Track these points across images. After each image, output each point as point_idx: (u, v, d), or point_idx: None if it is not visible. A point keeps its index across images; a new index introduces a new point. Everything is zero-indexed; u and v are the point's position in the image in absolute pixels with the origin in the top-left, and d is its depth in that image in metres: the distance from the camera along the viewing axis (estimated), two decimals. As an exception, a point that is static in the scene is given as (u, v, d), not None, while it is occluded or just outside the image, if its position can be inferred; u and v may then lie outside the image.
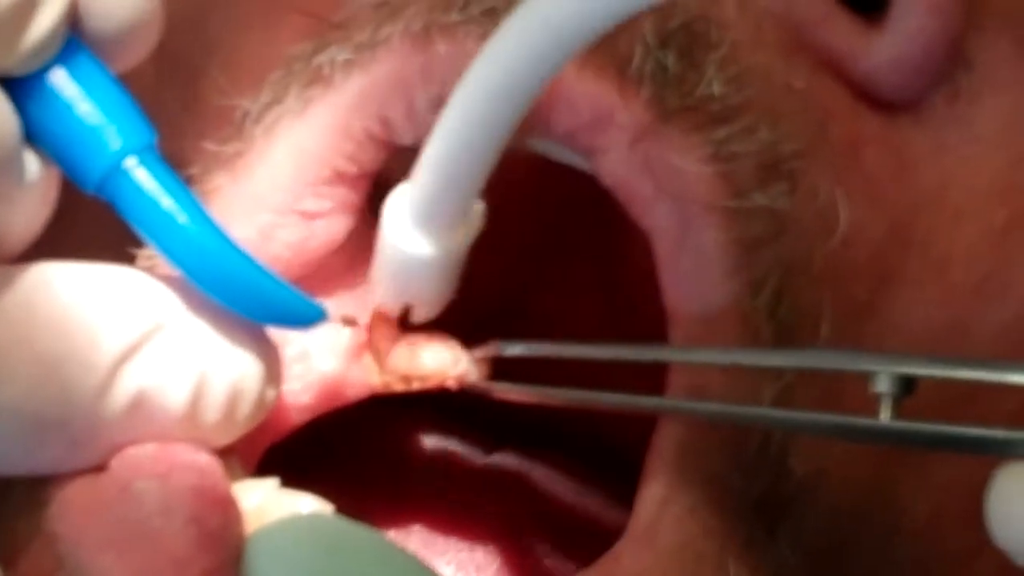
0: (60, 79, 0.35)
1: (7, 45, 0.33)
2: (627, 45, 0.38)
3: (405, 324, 0.41)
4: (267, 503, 0.37)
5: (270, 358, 0.37)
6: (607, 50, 0.38)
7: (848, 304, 0.38)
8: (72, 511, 0.35)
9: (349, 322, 0.41)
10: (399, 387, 0.41)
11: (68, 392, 0.34)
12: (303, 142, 0.40)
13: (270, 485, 0.38)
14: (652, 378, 0.39)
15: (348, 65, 0.39)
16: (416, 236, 0.38)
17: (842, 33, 0.38)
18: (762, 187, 0.37)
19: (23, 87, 0.34)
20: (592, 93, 0.37)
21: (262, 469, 0.40)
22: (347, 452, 0.48)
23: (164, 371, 0.35)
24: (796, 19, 0.38)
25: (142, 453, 0.35)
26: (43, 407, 0.34)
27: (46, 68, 0.35)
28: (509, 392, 0.40)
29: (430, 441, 0.49)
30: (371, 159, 0.40)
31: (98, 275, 0.35)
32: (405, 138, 0.40)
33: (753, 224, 0.37)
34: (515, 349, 0.40)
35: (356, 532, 0.36)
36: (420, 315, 0.40)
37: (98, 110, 0.35)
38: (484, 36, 0.37)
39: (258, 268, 0.36)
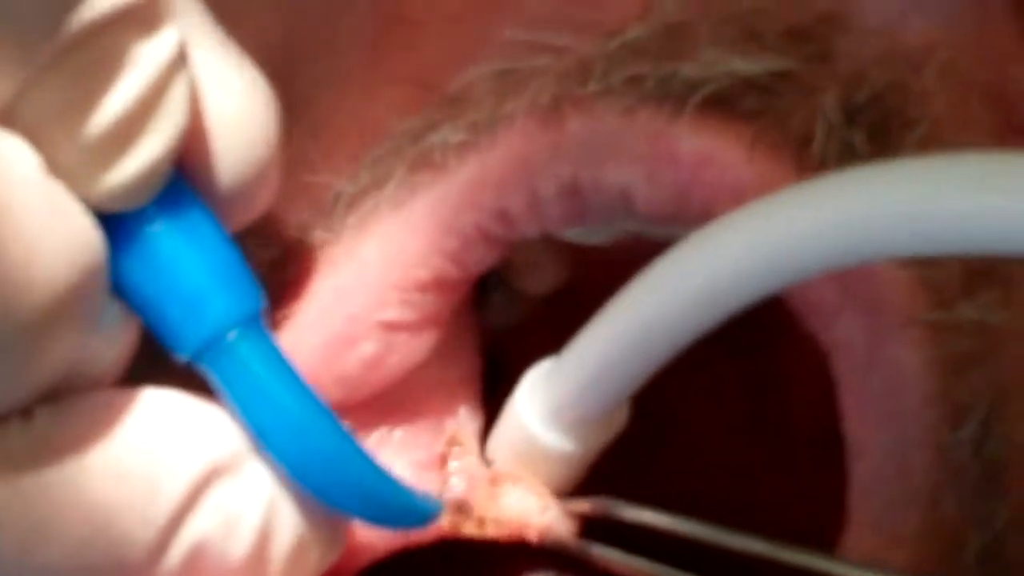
0: (159, 228, 0.29)
1: (95, 173, 0.28)
2: (805, 121, 0.32)
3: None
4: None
5: None
6: (780, 126, 0.32)
7: None
8: None
9: (462, 508, 0.35)
10: (470, 530, 0.35)
11: (121, 550, 0.28)
12: (400, 237, 0.34)
13: None
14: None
15: (463, 148, 0.33)
16: (552, 429, 0.34)
17: None
18: (970, 296, 0.31)
19: (115, 230, 0.29)
20: (764, 179, 0.31)
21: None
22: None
23: (227, 520, 0.30)
24: (1011, 94, 0.32)
25: None
26: (91, 566, 0.28)
27: (145, 213, 0.29)
28: (608, 559, 0.34)
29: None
30: (478, 260, 0.34)
31: (159, 406, 0.30)
32: (528, 230, 0.34)
33: (959, 341, 0.31)
34: (629, 513, 0.33)
35: None
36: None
37: (201, 269, 0.30)
38: (627, 110, 0.32)
39: (373, 466, 0.31)
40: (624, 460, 0.36)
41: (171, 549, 0.29)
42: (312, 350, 0.33)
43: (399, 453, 0.36)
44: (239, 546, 0.30)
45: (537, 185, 0.33)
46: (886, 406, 0.32)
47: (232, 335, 0.30)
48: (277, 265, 0.35)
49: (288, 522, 0.31)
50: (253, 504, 0.30)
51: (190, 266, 0.30)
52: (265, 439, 0.30)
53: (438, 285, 0.34)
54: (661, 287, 0.30)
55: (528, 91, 0.33)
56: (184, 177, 0.30)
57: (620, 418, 0.35)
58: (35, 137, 0.27)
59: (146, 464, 0.29)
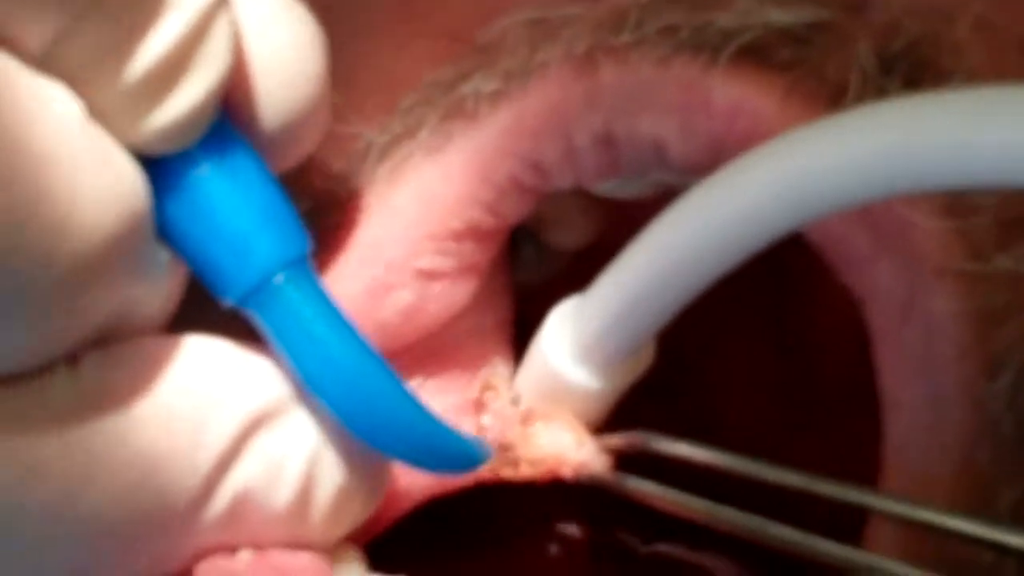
0: (204, 171, 0.29)
1: (137, 116, 0.27)
2: (839, 70, 0.31)
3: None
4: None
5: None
6: (815, 76, 0.32)
7: None
8: None
9: (502, 450, 0.35)
10: (507, 472, 0.35)
11: (166, 496, 0.28)
12: (434, 186, 0.34)
13: None
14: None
15: (496, 97, 0.33)
16: (578, 366, 0.34)
17: None
18: (1006, 247, 0.31)
19: (159, 174, 0.28)
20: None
21: (403, 557, 0.35)
22: (496, 539, 0.41)
23: (271, 467, 0.30)
24: None
25: (236, 569, 0.30)
26: (137, 514, 0.28)
27: (189, 157, 0.29)
28: (643, 492, 0.34)
29: (587, 529, 0.42)
30: (513, 210, 0.34)
31: (205, 354, 0.30)
32: (562, 182, 0.34)
33: (994, 292, 0.31)
34: (665, 446, 0.33)
35: None
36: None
37: (248, 213, 0.29)
38: (661, 60, 0.32)
39: (420, 409, 0.31)
40: (656, 417, 0.36)
41: (216, 495, 0.29)
42: (350, 299, 0.33)
43: (434, 398, 0.36)
44: (283, 493, 0.30)
45: (572, 135, 0.33)
46: (921, 357, 0.31)
47: (279, 279, 0.30)
48: (311, 216, 0.34)
49: (331, 470, 0.31)
50: (297, 452, 0.30)
51: (236, 209, 0.29)
52: (312, 383, 0.30)
53: (473, 234, 0.34)
54: (686, 223, 0.30)
55: (562, 40, 0.33)
56: (229, 119, 0.29)
57: (646, 357, 0.35)
58: (75, 81, 0.27)
59: (192, 411, 0.29)
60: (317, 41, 0.31)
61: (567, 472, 0.34)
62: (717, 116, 0.32)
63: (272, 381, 0.30)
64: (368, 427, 0.30)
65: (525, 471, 0.35)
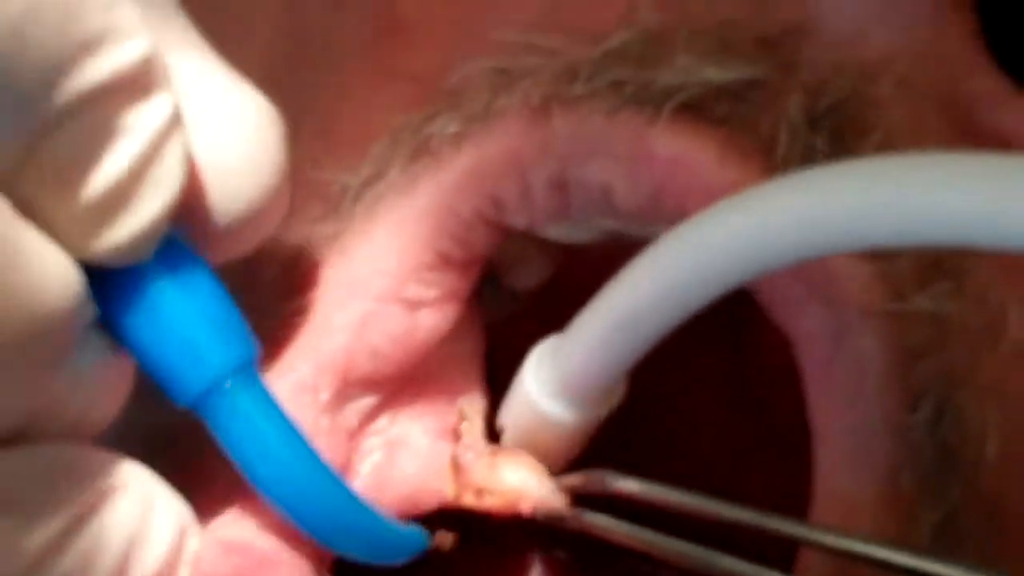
0: (157, 283, 0.30)
1: (89, 235, 0.28)
2: (771, 126, 0.34)
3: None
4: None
5: None
6: (749, 131, 0.34)
7: (1017, 420, 0.34)
8: None
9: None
10: (470, 502, 0.37)
11: None
12: (407, 222, 0.36)
13: None
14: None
15: (457, 138, 0.36)
16: (557, 400, 0.36)
17: (1022, 119, 0.34)
18: (924, 288, 0.33)
19: (113, 281, 0.30)
20: (735, 181, 0.33)
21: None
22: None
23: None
24: (965, 100, 0.34)
25: None
26: None
27: (142, 270, 0.30)
28: (598, 527, 0.35)
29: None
30: (481, 243, 0.36)
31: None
32: (518, 221, 0.36)
33: (915, 330, 0.33)
34: (622, 484, 0.35)
35: None
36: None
37: (197, 319, 0.31)
38: (610, 112, 0.34)
39: (362, 506, 0.33)
40: (614, 449, 0.38)
41: None
42: (344, 329, 0.35)
43: (415, 422, 0.38)
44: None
45: (528, 177, 0.35)
46: (848, 393, 0.33)
47: (228, 384, 0.31)
48: (292, 260, 0.37)
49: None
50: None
51: (188, 319, 0.31)
52: (262, 485, 0.32)
53: (449, 265, 0.36)
54: (652, 271, 0.32)
55: (520, 89, 0.35)
56: (183, 222, 0.31)
57: (619, 391, 0.37)
58: (33, 201, 0.27)
59: None
60: (274, 131, 0.32)
61: (526, 508, 0.36)
62: (659, 166, 0.34)
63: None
64: (318, 527, 0.32)
65: (487, 502, 0.37)
